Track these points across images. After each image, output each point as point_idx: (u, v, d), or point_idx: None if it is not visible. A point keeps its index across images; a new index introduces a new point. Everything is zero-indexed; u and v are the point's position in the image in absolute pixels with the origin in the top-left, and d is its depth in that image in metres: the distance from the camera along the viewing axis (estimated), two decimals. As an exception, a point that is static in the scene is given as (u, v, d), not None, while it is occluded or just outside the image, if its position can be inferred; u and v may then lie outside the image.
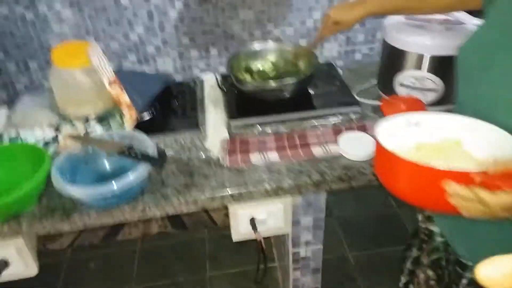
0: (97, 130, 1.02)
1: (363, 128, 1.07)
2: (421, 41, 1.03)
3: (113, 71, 1.02)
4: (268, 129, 1.12)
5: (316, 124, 1.12)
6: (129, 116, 1.01)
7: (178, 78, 1.53)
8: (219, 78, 1.34)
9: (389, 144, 0.57)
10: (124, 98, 1.00)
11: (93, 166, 0.95)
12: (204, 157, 1.03)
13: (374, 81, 1.27)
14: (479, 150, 0.58)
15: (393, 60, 1.11)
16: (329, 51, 1.89)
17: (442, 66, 1.02)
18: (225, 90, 1.25)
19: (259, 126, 1.12)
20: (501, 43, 0.65)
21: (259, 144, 1.06)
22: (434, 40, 1.01)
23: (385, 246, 1.85)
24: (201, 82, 1.38)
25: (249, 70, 1.29)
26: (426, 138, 0.63)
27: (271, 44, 1.32)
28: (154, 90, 1.19)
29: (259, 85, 1.19)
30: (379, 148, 0.58)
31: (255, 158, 1.01)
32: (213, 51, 1.88)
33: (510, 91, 0.61)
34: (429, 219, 0.89)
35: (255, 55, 1.31)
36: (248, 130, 1.12)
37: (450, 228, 0.80)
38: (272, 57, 1.31)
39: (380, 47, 1.25)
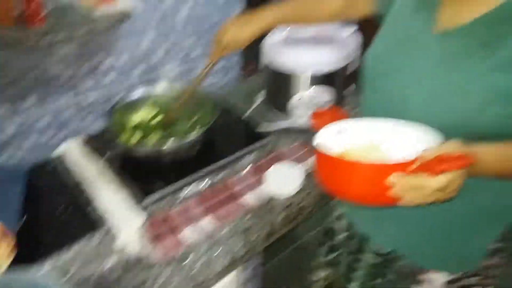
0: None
1: (278, 158, 1.03)
2: (303, 61, 1.04)
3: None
4: (186, 193, 0.95)
5: (234, 170, 1.01)
6: (5, 249, 0.69)
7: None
8: (83, 145, 1.06)
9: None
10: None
11: None
12: (123, 262, 0.80)
13: (260, 100, 1.23)
14: (396, 151, 0.64)
15: (281, 82, 1.10)
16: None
17: (329, 78, 1.06)
18: (107, 158, 1.00)
19: (175, 194, 0.94)
20: (403, 47, 0.70)
21: (185, 214, 0.89)
22: (316, 58, 1.04)
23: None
24: (61, 159, 1.06)
25: (136, 127, 1.05)
26: (351, 144, 0.67)
27: (152, 89, 1.10)
28: (16, 198, 0.85)
29: (157, 148, 0.97)
30: (325, 158, 0.60)
31: (188, 234, 0.85)
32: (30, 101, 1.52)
33: (418, 92, 0.66)
34: (339, 217, 0.93)
35: (136, 106, 1.08)
36: (163, 203, 0.93)
37: (373, 220, 0.81)
38: (157, 105, 1.10)
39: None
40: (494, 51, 0.59)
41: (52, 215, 0.86)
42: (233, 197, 0.93)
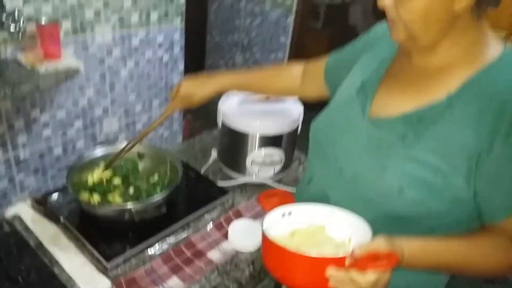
0: None
1: (239, 214, 1.08)
2: (254, 123, 1.13)
3: None
4: (151, 253, 0.94)
5: (197, 227, 1.03)
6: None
7: None
8: (35, 206, 1.01)
9: (271, 235, 0.64)
10: None
11: None
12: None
13: (214, 157, 1.28)
14: (339, 233, 0.71)
15: (236, 141, 1.17)
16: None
17: (277, 139, 1.16)
18: (61, 220, 0.96)
19: (139, 255, 0.93)
20: (340, 124, 0.80)
21: (151, 275, 0.88)
22: (264, 121, 1.13)
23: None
24: (12, 221, 0.98)
25: (95, 187, 1.01)
26: (297, 225, 0.73)
27: (109, 149, 1.08)
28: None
29: (119, 208, 0.95)
30: (270, 245, 0.63)
31: (157, 295, 0.84)
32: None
33: (349, 166, 0.74)
34: None
35: (92, 164, 1.05)
36: (127, 265, 0.90)
37: None
38: (113, 163, 1.06)
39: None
40: (410, 145, 0.67)
41: (16, 278, 0.80)
42: (198, 254, 0.95)
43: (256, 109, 1.20)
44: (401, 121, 0.69)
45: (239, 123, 1.14)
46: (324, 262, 0.58)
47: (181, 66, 2.15)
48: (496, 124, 0.60)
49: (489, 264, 0.66)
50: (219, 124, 1.20)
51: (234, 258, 0.95)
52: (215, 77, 1.03)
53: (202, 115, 2.44)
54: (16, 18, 1.40)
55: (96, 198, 0.98)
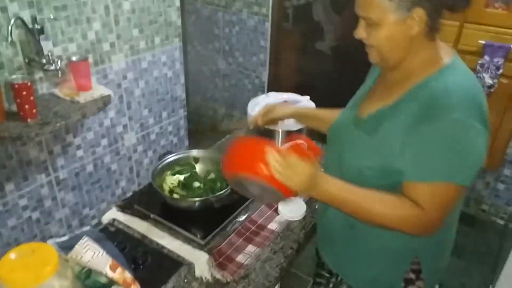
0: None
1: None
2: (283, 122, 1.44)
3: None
4: (227, 230, 1.24)
5: (253, 208, 1.32)
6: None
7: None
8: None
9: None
10: (127, 276, 0.88)
11: None
12: (204, 286, 1.06)
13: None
14: None
15: (265, 137, 1.47)
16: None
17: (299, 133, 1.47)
18: (151, 216, 1.23)
19: (221, 232, 1.22)
20: (343, 124, 1.05)
21: (232, 246, 1.18)
22: (289, 119, 1.44)
23: None
24: (113, 223, 1.25)
25: (177, 185, 1.33)
26: None
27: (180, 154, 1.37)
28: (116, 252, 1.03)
29: (201, 199, 1.24)
30: (234, 143, 0.85)
31: (242, 259, 1.15)
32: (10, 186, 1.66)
33: (350, 157, 0.95)
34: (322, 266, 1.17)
35: (165, 169, 1.34)
36: (215, 240, 1.20)
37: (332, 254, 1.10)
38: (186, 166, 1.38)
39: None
40: (370, 137, 0.89)
41: (137, 264, 1.07)
42: (261, 227, 1.26)
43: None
44: (367, 120, 0.92)
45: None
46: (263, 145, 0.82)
47: (182, 79, 2.41)
48: (422, 112, 0.80)
49: (382, 211, 0.83)
50: (250, 126, 1.50)
51: (289, 226, 1.27)
52: (290, 106, 1.30)
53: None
54: (53, 59, 1.62)
55: (176, 194, 1.27)
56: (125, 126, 2.17)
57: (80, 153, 1.99)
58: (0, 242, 1.75)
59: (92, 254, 0.83)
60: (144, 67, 2.14)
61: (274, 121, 1.27)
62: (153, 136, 2.35)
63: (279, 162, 0.81)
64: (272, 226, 1.27)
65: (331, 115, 1.12)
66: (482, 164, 0.81)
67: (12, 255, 0.77)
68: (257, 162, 0.80)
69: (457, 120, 0.77)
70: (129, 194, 2.25)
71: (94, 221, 2.13)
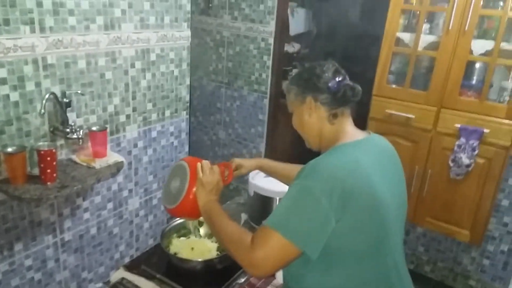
0: None
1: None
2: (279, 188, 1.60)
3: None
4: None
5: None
6: None
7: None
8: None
9: None
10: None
11: None
12: None
13: (244, 219, 1.72)
14: None
15: (265, 204, 1.63)
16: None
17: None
18: (157, 276, 1.33)
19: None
20: None
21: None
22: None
23: None
24: (121, 282, 1.34)
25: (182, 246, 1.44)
26: None
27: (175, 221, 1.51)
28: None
29: (205, 260, 1.37)
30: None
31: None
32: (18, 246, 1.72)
33: None
34: None
35: (171, 231, 1.48)
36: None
37: None
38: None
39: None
40: None
41: None
42: None
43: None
44: None
45: (266, 191, 1.61)
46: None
47: (186, 148, 2.60)
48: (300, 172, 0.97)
49: (229, 232, 1.01)
50: (251, 193, 1.65)
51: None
52: (259, 159, 1.52)
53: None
54: (75, 129, 1.80)
55: (180, 255, 1.39)
56: (130, 191, 2.31)
57: (86, 215, 2.10)
58: (1, 302, 1.79)
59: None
60: (153, 136, 2.33)
61: (243, 174, 1.44)
62: (155, 201, 2.48)
63: (207, 165, 1.19)
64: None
65: (289, 170, 1.35)
66: (318, 231, 0.91)
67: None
68: (196, 160, 1.22)
69: (301, 185, 0.94)
70: (126, 259, 2.33)
71: (91, 286, 2.16)
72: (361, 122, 1.15)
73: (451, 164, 2.22)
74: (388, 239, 1.00)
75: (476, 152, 2.16)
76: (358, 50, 3.53)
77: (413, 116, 2.30)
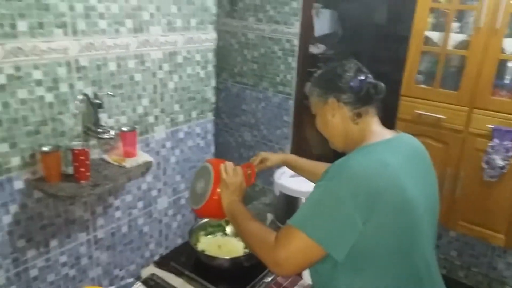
0: None
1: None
2: (303, 189, 1.60)
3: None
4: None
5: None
6: None
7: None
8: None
9: None
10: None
11: None
12: None
13: (271, 218, 1.73)
14: None
15: (291, 204, 1.63)
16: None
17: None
18: (186, 273, 1.36)
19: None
20: None
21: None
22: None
23: None
24: (152, 277, 1.38)
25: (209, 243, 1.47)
26: None
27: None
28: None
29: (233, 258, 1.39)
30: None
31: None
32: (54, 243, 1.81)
33: None
34: None
35: (198, 229, 1.51)
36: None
37: None
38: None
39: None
40: None
41: None
42: None
43: (302, 179, 1.67)
44: None
45: (292, 191, 1.62)
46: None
47: (212, 149, 2.63)
48: (325, 173, 0.95)
49: (253, 229, 1.02)
50: (277, 193, 1.66)
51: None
52: (285, 153, 1.52)
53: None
54: (107, 129, 1.86)
55: (208, 252, 1.41)
56: (159, 191, 2.36)
57: (118, 214, 2.16)
58: (38, 297, 1.87)
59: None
60: (180, 137, 2.38)
61: (268, 168, 1.45)
62: (183, 201, 2.52)
63: (230, 167, 1.20)
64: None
65: (315, 167, 1.37)
66: (341, 232, 0.89)
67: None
68: (220, 162, 1.23)
69: (325, 186, 0.92)
70: (156, 257, 2.37)
71: (123, 282, 2.22)
72: (389, 124, 1.12)
73: (485, 166, 2.15)
74: (419, 240, 0.97)
75: (511, 153, 2.09)
76: (384, 51, 3.48)
77: (443, 117, 2.24)
